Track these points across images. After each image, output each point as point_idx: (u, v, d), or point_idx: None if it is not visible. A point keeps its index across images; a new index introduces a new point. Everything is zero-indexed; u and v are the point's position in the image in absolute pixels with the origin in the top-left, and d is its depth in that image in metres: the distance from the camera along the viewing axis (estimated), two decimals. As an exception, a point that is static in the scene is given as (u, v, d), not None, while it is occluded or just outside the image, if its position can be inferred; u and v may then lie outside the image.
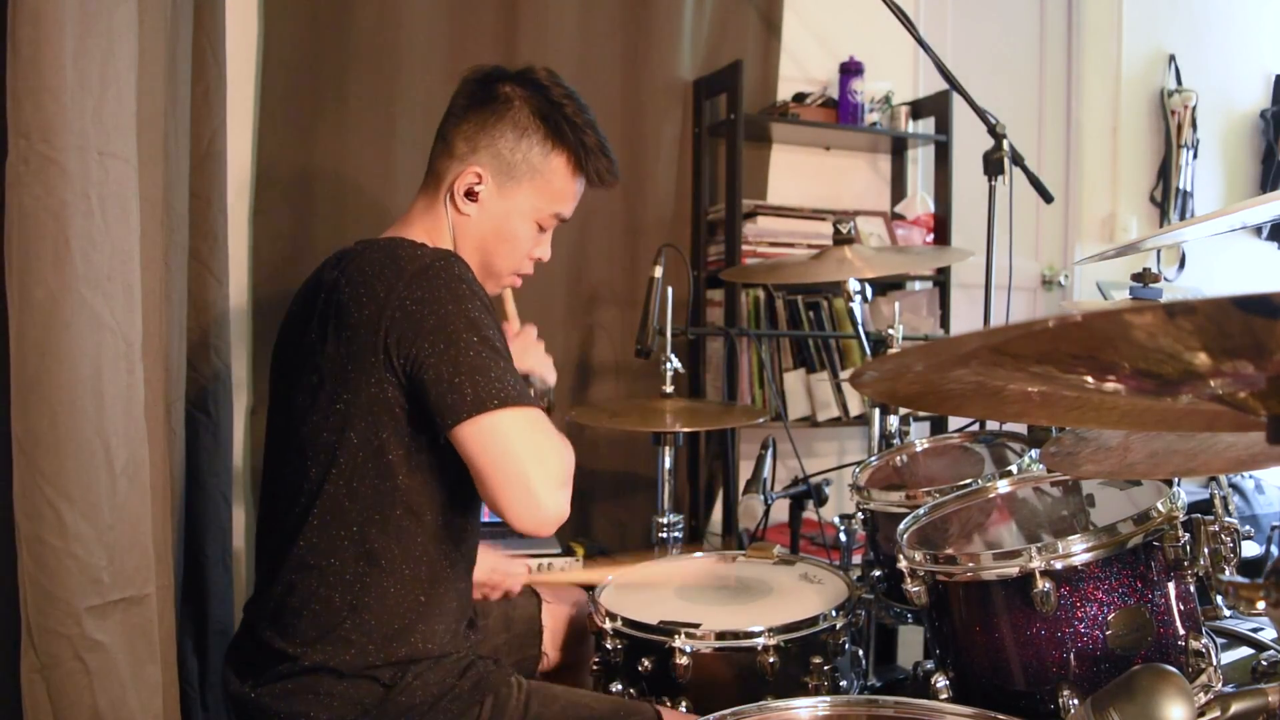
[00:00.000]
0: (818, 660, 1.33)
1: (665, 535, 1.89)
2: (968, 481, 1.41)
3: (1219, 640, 1.11)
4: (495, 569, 1.56)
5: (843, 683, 1.38)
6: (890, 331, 1.92)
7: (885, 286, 2.93)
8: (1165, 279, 2.78)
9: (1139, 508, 1.09)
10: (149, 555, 1.11)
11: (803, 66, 2.88)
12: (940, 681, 1.14)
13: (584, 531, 2.48)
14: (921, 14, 3.04)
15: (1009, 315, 2.21)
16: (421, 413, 1.17)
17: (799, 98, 2.75)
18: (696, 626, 1.32)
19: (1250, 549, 1.32)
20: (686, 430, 1.91)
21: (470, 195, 1.34)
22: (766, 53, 2.81)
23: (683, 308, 2.36)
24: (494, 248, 1.37)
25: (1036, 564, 1.06)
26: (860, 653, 1.48)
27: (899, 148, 3.00)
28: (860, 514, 1.56)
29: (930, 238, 2.88)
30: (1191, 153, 3.55)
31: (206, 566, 1.72)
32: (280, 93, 2.17)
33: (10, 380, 1.00)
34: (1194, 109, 3.53)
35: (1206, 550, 1.06)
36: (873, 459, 1.75)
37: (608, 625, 1.38)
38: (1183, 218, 3.51)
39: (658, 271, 1.96)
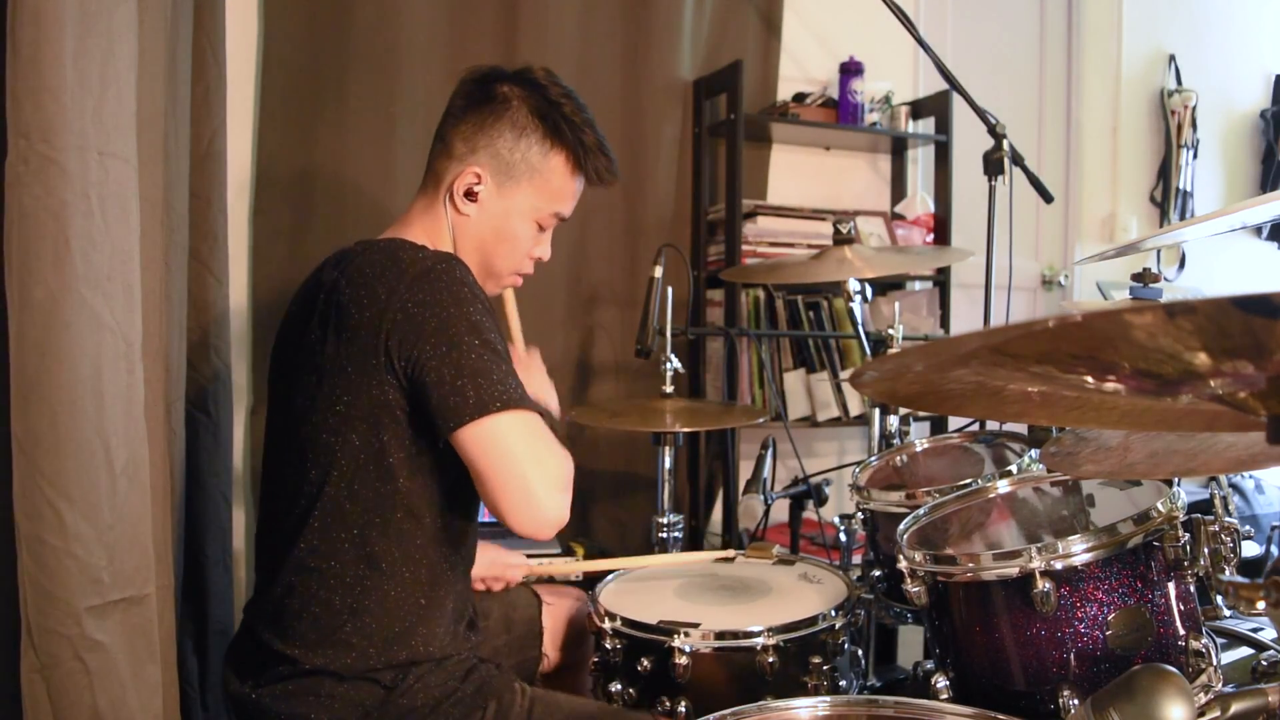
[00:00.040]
0: (817, 660, 1.33)
1: (665, 535, 1.89)
2: (968, 481, 1.41)
3: (1219, 640, 1.11)
4: (495, 562, 1.56)
5: (842, 683, 1.38)
6: (890, 331, 1.92)
7: (885, 286, 2.93)
8: (1165, 279, 2.78)
9: (1139, 508, 1.09)
10: (149, 555, 1.11)
11: (803, 66, 2.88)
12: (940, 681, 1.14)
13: (584, 532, 2.48)
14: (921, 14, 3.04)
15: (1009, 315, 2.21)
16: (422, 415, 1.17)
17: (799, 98, 2.75)
18: (696, 626, 1.32)
19: (1250, 549, 1.32)
20: (686, 430, 1.91)
21: (470, 195, 1.34)
22: (766, 53, 2.81)
23: (683, 308, 2.36)
24: (494, 248, 1.37)
25: (1036, 564, 1.06)
26: (860, 653, 1.48)
27: (899, 148, 3.00)
28: (860, 514, 1.56)
29: (930, 238, 2.88)
30: (1191, 153, 3.55)
31: (206, 566, 1.72)
32: (280, 93, 2.17)
33: (10, 380, 1.00)
34: (1194, 109, 3.53)
35: (1206, 550, 1.06)
36: (873, 459, 1.75)
37: (607, 625, 1.38)
38: (1183, 218, 3.51)
39: (658, 271, 1.96)
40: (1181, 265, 3.60)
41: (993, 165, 1.95)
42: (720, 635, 1.32)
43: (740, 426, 2.43)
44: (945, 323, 2.82)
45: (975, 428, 1.93)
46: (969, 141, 2.56)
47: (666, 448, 1.93)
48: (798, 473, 2.01)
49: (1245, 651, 1.28)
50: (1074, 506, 1.28)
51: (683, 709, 1.30)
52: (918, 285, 2.97)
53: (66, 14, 0.98)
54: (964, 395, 0.70)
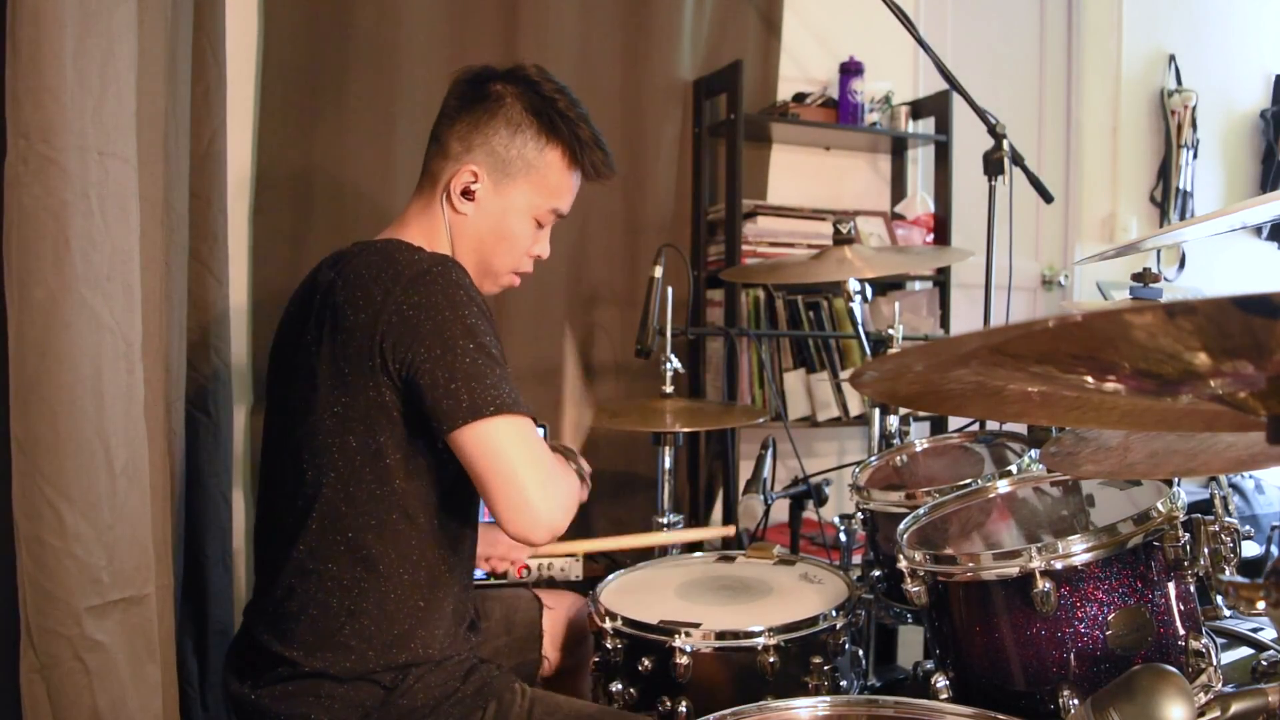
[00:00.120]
0: (818, 660, 1.33)
1: (665, 535, 1.89)
2: (968, 481, 1.41)
3: (1219, 640, 1.11)
4: (499, 540, 1.56)
5: (843, 683, 1.38)
6: (890, 331, 1.92)
7: (885, 286, 2.93)
8: (1165, 279, 2.78)
9: (1139, 508, 1.09)
10: (149, 555, 1.11)
11: (803, 66, 2.88)
12: (940, 681, 1.14)
13: (584, 531, 2.48)
14: (921, 14, 3.04)
15: (1009, 315, 2.21)
16: (418, 417, 1.17)
17: (799, 98, 2.75)
18: (696, 626, 1.32)
19: (1250, 549, 1.32)
20: (686, 430, 1.91)
21: (467, 194, 1.33)
22: (766, 53, 2.81)
23: (683, 308, 2.36)
24: (492, 246, 1.36)
25: (1036, 564, 1.06)
26: (860, 653, 1.48)
27: (899, 148, 3.00)
28: (860, 514, 1.56)
29: (930, 238, 2.88)
30: (1191, 153, 3.55)
31: (206, 566, 1.72)
32: (280, 93, 2.17)
33: (10, 380, 1.00)
34: (1194, 109, 3.53)
35: (1206, 550, 1.06)
36: (873, 459, 1.75)
37: (607, 625, 1.38)
38: (1183, 218, 3.51)
39: (658, 271, 1.96)
40: (1181, 265, 3.60)
41: (993, 165, 1.95)
42: (721, 635, 1.31)
43: (740, 426, 2.43)
44: (945, 323, 2.82)
45: (975, 428, 1.93)
46: (969, 141, 2.56)
47: (666, 448, 1.94)
48: (798, 473, 2.02)
49: (1245, 651, 1.28)
50: (1074, 506, 1.28)
51: (683, 709, 1.30)
52: (918, 285, 2.97)
53: (66, 14, 0.98)
54: (964, 395, 0.70)
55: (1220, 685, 1.05)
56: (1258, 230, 3.74)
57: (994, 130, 1.95)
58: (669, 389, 1.96)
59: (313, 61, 2.18)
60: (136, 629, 1.09)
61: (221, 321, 1.79)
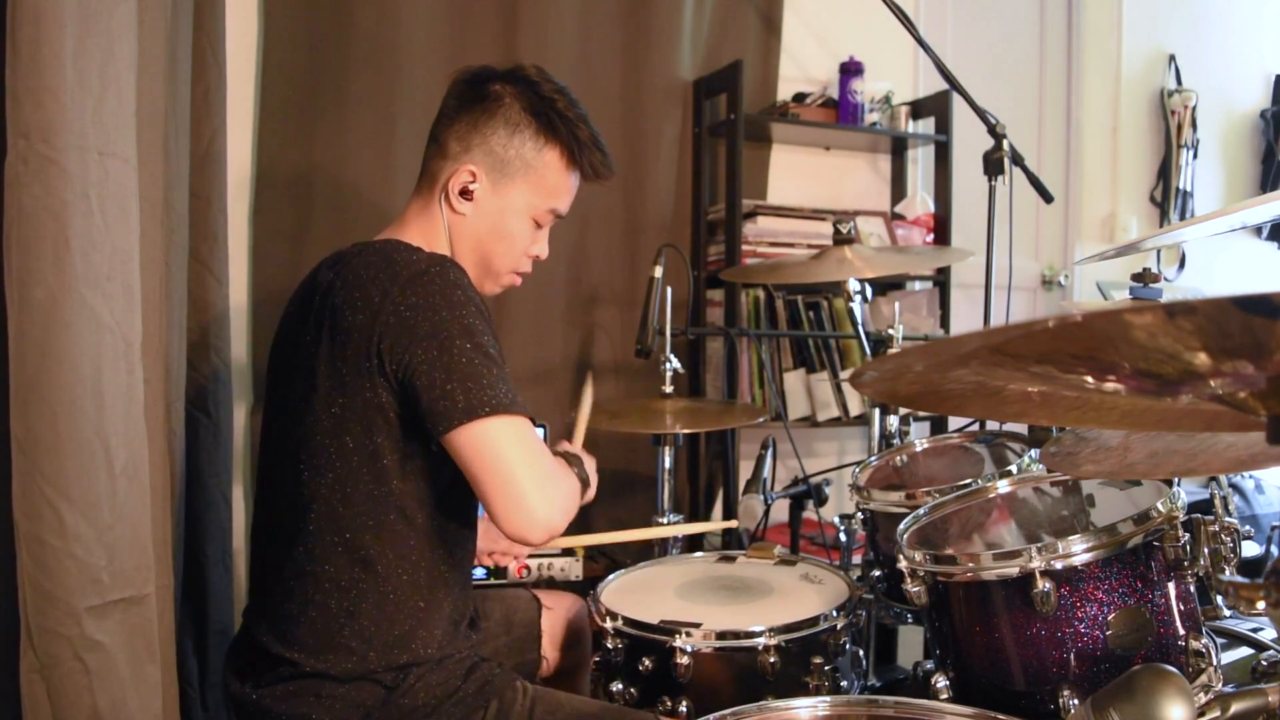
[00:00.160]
0: (818, 660, 1.33)
1: (665, 535, 1.89)
2: (968, 481, 1.41)
3: (1219, 640, 1.11)
4: (501, 537, 1.56)
5: (843, 683, 1.38)
6: (890, 331, 1.92)
7: (885, 286, 2.93)
8: (1165, 279, 2.78)
9: (1139, 508, 1.09)
10: (149, 555, 1.11)
11: (803, 66, 2.88)
12: (940, 681, 1.14)
13: (584, 531, 2.48)
14: (921, 14, 3.04)
15: (1009, 315, 2.21)
16: (415, 418, 1.17)
17: (799, 98, 2.75)
18: (697, 626, 1.32)
19: (1250, 549, 1.32)
20: (686, 430, 1.91)
21: (465, 194, 1.33)
22: (766, 53, 2.81)
23: (683, 308, 2.36)
24: (491, 246, 1.36)
25: (1036, 564, 1.06)
26: (860, 653, 1.48)
27: (899, 148, 3.00)
28: (860, 514, 1.56)
29: (930, 238, 2.88)
30: (1191, 153, 3.55)
31: (206, 566, 1.72)
32: (280, 93, 2.17)
33: (10, 380, 1.00)
34: (1194, 109, 3.53)
35: (1206, 550, 1.06)
36: (873, 459, 1.75)
37: (608, 625, 1.38)
38: (1183, 218, 3.51)
39: (658, 271, 1.96)
40: (1181, 265, 3.60)
41: (993, 165, 1.95)
42: (722, 635, 1.32)
43: (740, 426, 2.43)
44: (945, 323, 2.82)
45: (975, 428, 1.93)
46: (969, 141, 2.56)
47: (666, 448, 1.94)
48: (798, 473, 2.02)
49: (1245, 651, 1.28)
50: (1074, 506, 1.28)
51: (684, 709, 1.30)
52: (918, 285, 2.97)
53: (66, 14, 0.98)
54: (964, 395, 0.70)
55: (1220, 685, 1.05)
56: (1258, 230, 3.74)
57: (994, 130, 1.95)
58: (669, 389, 1.96)
59: (313, 61, 2.18)
60: (136, 629, 1.09)
61: (221, 321, 1.79)
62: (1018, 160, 1.97)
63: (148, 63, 1.18)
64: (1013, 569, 1.07)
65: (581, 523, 2.46)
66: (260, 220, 2.17)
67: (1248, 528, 1.13)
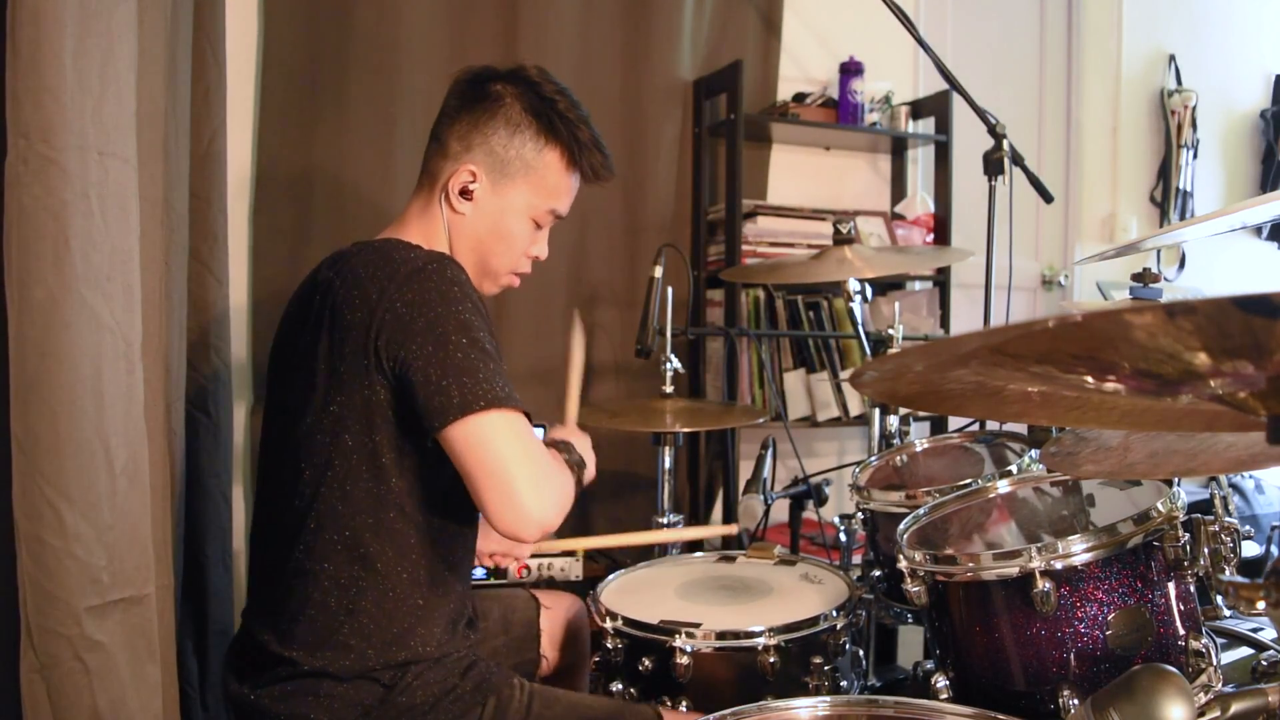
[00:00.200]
0: (818, 660, 1.33)
1: (665, 535, 1.89)
2: (968, 481, 1.41)
3: (1219, 640, 1.11)
4: (503, 538, 1.56)
5: (843, 683, 1.38)
6: (890, 331, 1.92)
7: (885, 286, 2.93)
8: (1165, 279, 2.78)
9: (1139, 508, 1.09)
10: (149, 555, 1.11)
11: (803, 66, 2.88)
12: (940, 681, 1.14)
13: (584, 531, 2.47)
14: (921, 14, 3.04)
15: (1009, 315, 2.21)
16: (412, 415, 1.17)
17: (799, 98, 2.75)
18: (697, 626, 1.32)
19: (1250, 549, 1.32)
20: (686, 430, 1.91)
21: (465, 194, 1.33)
22: (766, 53, 2.81)
23: (683, 308, 2.36)
24: (491, 246, 1.36)
25: (1036, 564, 1.06)
26: (860, 653, 1.48)
27: (899, 148, 3.00)
28: (860, 514, 1.56)
29: (930, 238, 2.88)
30: (1191, 153, 3.55)
31: (206, 566, 1.72)
32: (280, 93, 2.17)
33: (10, 380, 1.00)
34: (1194, 109, 3.53)
35: (1206, 550, 1.06)
36: (873, 459, 1.75)
37: (608, 625, 1.38)
38: (1183, 218, 3.51)
39: (658, 271, 1.96)
40: (1181, 265, 3.60)
41: (993, 165, 1.95)
42: (721, 635, 1.32)
43: (740, 426, 2.43)
44: (945, 323, 2.82)
45: (975, 428, 1.93)
46: (969, 141, 2.56)
47: (666, 448, 1.94)
48: (798, 473, 2.02)
49: (1245, 651, 1.28)
50: (1074, 506, 1.28)
51: (684, 709, 1.30)
52: (918, 285, 2.97)
53: (66, 14, 0.98)
54: (964, 395, 0.70)
55: (1220, 685, 1.05)
56: (1258, 230, 3.74)
57: (994, 130, 1.95)
58: (669, 389, 1.96)
59: (313, 61, 2.18)
60: (136, 629, 1.09)
61: (221, 321, 1.79)
62: (1018, 160, 1.97)
63: (148, 63, 1.18)
64: (1013, 569, 1.07)
65: (581, 522, 2.48)
66: (260, 220, 2.17)
67: (1248, 528, 1.13)
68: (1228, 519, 1.06)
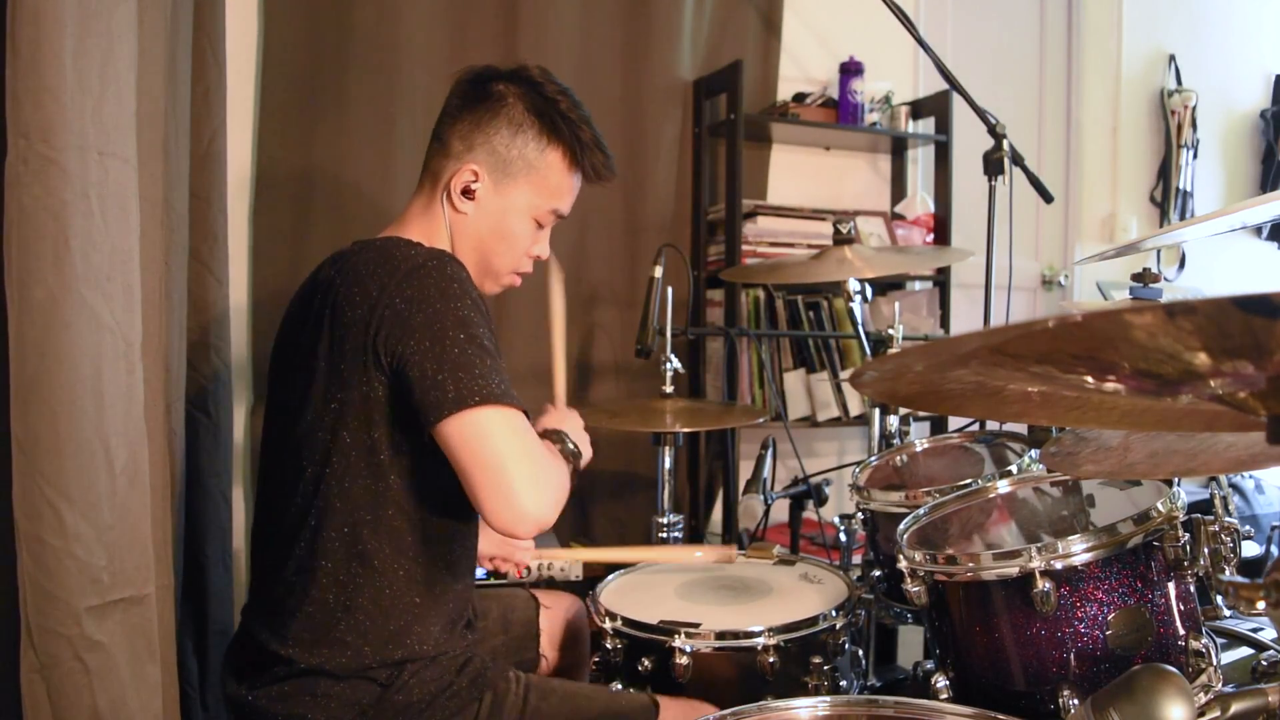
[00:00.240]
0: (818, 660, 1.33)
1: (665, 535, 1.89)
2: (968, 481, 1.41)
3: (1219, 640, 1.11)
4: (504, 542, 1.56)
5: (843, 683, 1.38)
6: (890, 331, 1.92)
7: (885, 286, 2.93)
8: (1165, 279, 2.78)
9: (1139, 508, 1.09)
10: (149, 555, 1.11)
11: (803, 66, 2.88)
12: (940, 681, 1.14)
13: (584, 531, 2.48)
14: (921, 14, 3.04)
15: (1009, 315, 2.21)
16: (409, 411, 1.16)
17: (799, 98, 2.75)
18: (696, 626, 1.32)
19: (1250, 549, 1.32)
20: (686, 430, 1.91)
21: (467, 193, 1.34)
22: (766, 53, 2.81)
23: (683, 308, 2.36)
24: (492, 246, 1.36)
25: (1036, 564, 1.06)
26: (860, 653, 1.48)
27: (899, 148, 3.00)
28: (860, 514, 1.56)
29: (930, 238, 2.88)
30: (1191, 153, 3.55)
31: (206, 566, 1.72)
32: (280, 93, 2.17)
33: (10, 380, 1.00)
34: (1194, 109, 3.53)
35: (1206, 550, 1.06)
36: (873, 459, 1.75)
37: (607, 625, 1.38)
38: (1183, 218, 3.51)
39: (658, 271, 1.96)
40: (1181, 265, 3.60)
41: (993, 165, 1.95)
42: (721, 635, 1.32)
43: (740, 426, 2.43)
44: (945, 323, 2.82)
45: (975, 428, 1.93)
46: (969, 141, 2.56)
47: (666, 448, 1.93)
48: (798, 473, 2.02)
49: (1245, 651, 1.28)
50: (1074, 506, 1.28)
51: (683, 709, 1.30)
52: (918, 285, 2.97)
53: (66, 14, 0.98)
54: (964, 395, 0.70)
55: (1220, 685, 1.05)
56: (1258, 230, 3.74)
57: (994, 130, 1.95)
58: (669, 389, 1.96)
59: (313, 61, 2.19)
60: (136, 629, 1.09)
61: (221, 321, 1.79)
62: (1018, 160, 1.97)
63: (148, 63, 1.18)
64: (1013, 569, 1.07)
65: (581, 522, 2.48)
66: (260, 220, 2.17)
67: (1248, 528, 1.13)
68: (1228, 519, 1.06)
